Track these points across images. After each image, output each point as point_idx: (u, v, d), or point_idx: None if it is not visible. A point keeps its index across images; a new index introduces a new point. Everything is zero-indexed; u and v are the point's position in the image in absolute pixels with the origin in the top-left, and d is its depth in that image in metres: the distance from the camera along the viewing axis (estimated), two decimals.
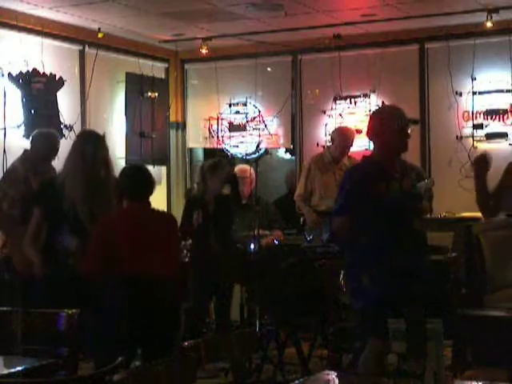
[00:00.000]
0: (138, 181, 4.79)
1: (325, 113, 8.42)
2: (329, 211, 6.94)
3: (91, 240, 4.70)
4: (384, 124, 4.32)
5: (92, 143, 4.98)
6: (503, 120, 7.60)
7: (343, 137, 7.19)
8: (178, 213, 6.95)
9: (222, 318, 6.48)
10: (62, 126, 7.21)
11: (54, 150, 5.96)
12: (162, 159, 8.83)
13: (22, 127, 6.97)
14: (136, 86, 8.40)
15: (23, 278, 5.59)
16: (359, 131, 8.17)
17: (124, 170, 5.03)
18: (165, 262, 4.62)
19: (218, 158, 7.34)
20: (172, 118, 9.12)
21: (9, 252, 6.02)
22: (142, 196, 4.76)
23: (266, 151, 9.00)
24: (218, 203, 6.47)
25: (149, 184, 4.80)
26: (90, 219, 4.84)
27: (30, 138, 6.03)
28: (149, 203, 4.79)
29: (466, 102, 7.74)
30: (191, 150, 9.37)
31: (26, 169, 5.82)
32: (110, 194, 4.95)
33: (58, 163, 5.72)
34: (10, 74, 6.90)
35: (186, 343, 3.08)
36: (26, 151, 5.94)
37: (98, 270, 4.62)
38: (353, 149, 7.81)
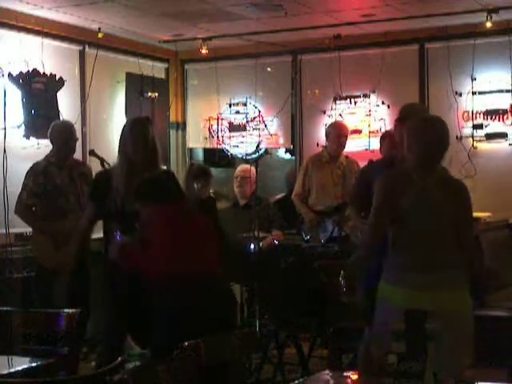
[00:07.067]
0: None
1: (325, 113, 8.42)
2: (326, 210, 6.98)
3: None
4: None
5: (128, 127, 4.96)
6: (503, 120, 7.59)
7: (337, 129, 7.25)
8: None
9: None
10: None
11: (71, 140, 5.93)
12: (162, 159, 8.81)
13: (22, 127, 6.97)
14: (136, 86, 8.40)
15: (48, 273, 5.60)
16: (359, 131, 8.19)
17: None
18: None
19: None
20: (172, 118, 9.12)
21: (32, 247, 6.01)
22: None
23: (266, 151, 9.01)
24: (199, 208, 6.49)
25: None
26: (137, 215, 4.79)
27: (49, 132, 6.02)
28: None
29: (465, 102, 7.73)
30: (191, 150, 9.37)
31: (49, 162, 5.84)
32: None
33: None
34: (10, 74, 6.89)
35: (186, 343, 3.08)
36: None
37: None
38: (352, 149, 7.84)
